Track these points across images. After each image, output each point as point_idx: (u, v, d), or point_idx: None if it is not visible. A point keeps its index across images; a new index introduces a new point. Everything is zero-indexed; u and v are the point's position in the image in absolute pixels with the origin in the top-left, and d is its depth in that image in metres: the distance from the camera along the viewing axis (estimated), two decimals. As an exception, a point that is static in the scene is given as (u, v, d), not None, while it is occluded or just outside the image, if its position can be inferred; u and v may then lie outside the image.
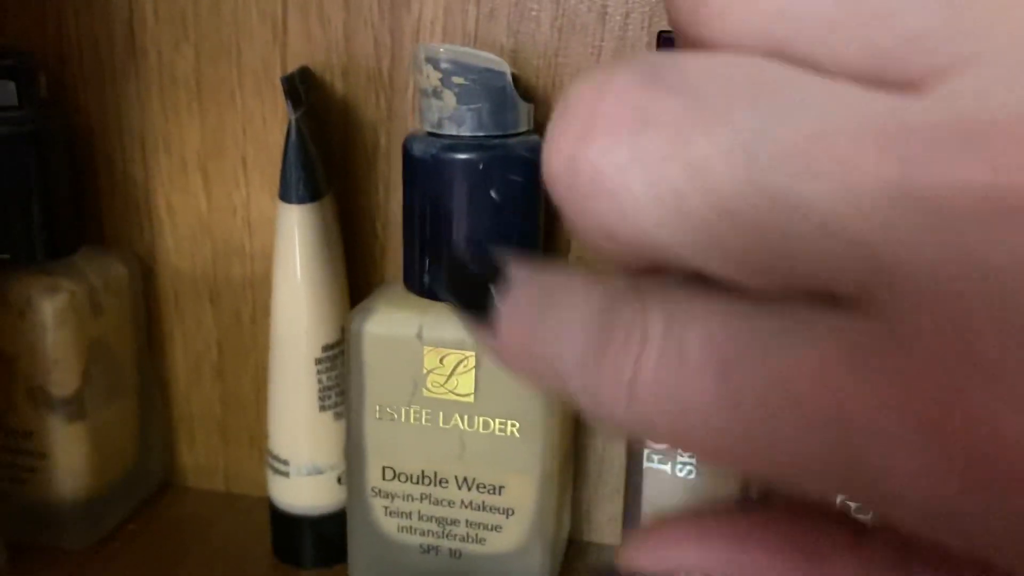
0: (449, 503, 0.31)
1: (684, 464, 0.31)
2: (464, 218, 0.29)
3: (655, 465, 0.31)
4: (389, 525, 0.32)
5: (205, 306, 0.37)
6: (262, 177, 0.35)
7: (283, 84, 0.31)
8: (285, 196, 0.31)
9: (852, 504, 0.13)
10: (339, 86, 0.34)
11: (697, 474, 0.31)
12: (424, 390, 0.31)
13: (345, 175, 0.35)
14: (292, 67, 0.33)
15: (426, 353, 0.30)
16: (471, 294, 0.14)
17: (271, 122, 0.35)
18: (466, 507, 0.31)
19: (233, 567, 0.35)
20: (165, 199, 0.37)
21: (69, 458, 0.34)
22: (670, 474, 0.31)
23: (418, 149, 0.30)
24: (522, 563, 0.32)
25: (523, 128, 0.30)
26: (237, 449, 0.39)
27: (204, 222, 0.36)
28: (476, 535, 0.32)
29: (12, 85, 0.32)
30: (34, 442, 0.34)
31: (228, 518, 0.38)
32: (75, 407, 0.34)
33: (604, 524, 0.37)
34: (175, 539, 0.37)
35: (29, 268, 0.33)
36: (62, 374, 0.34)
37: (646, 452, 0.31)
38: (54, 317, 0.33)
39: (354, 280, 0.34)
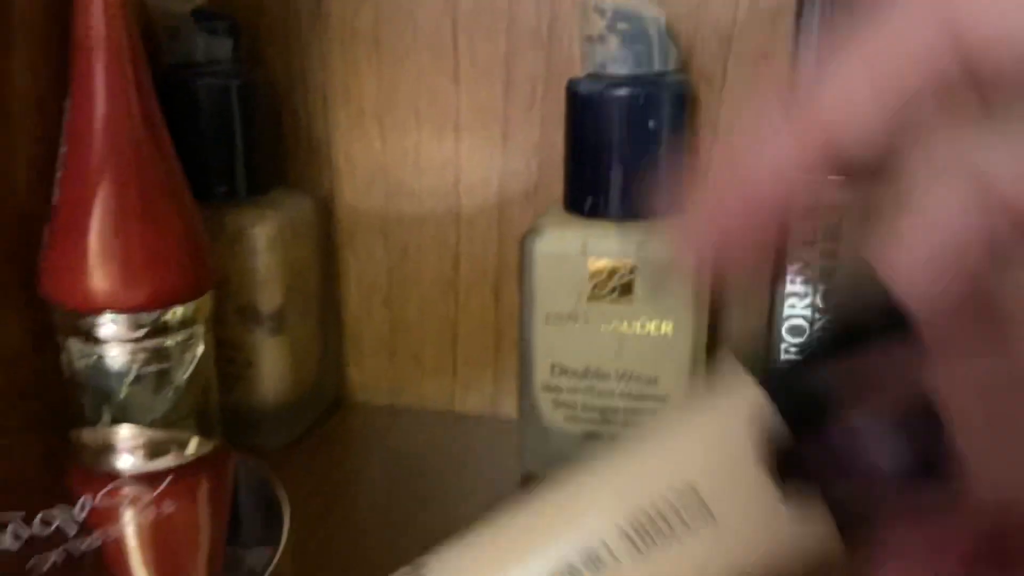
0: (609, 394, 0.36)
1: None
2: (626, 145, 0.34)
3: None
4: (556, 416, 0.37)
5: (377, 241, 0.43)
6: (432, 125, 0.41)
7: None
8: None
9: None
10: (502, 42, 0.39)
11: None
12: (587, 297, 0.36)
13: (506, 121, 0.40)
14: (461, 25, 0.39)
15: (589, 265, 0.35)
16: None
17: (441, 76, 0.40)
18: (624, 397, 0.36)
19: (409, 466, 0.41)
20: (344, 146, 0.42)
21: (271, 367, 0.40)
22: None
23: (584, 88, 0.35)
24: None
25: (672, 67, 0.35)
26: (402, 367, 0.44)
27: (379, 165, 0.42)
28: (633, 422, 0.36)
29: (230, 42, 0.38)
30: (243, 352, 0.40)
31: (398, 426, 0.43)
32: (277, 322, 0.40)
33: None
34: (356, 443, 0.42)
35: (239, 202, 0.39)
36: (269, 293, 0.39)
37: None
38: (264, 242, 0.38)
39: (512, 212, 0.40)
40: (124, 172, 0.32)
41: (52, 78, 0.35)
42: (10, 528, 0.25)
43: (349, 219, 0.43)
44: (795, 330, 0.36)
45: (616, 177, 0.35)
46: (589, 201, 0.36)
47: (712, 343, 0.37)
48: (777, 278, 0.36)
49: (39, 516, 0.26)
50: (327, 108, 0.42)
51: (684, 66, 0.37)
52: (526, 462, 0.38)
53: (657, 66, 0.34)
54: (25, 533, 0.25)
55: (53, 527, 0.25)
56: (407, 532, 0.35)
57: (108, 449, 0.31)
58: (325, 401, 0.44)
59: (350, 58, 0.41)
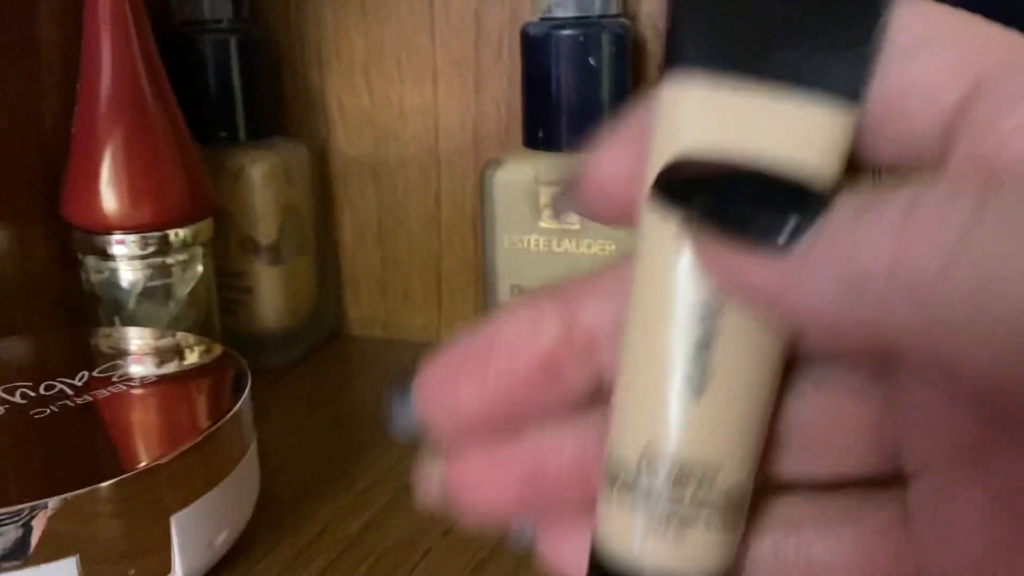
0: (562, 312, 0.40)
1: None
2: (571, 81, 0.38)
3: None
4: (515, 333, 0.41)
5: (368, 183, 0.47)
6: (413, 77, 0.45)
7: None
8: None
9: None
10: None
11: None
12: (541, 222, 0.39)
13: (478, 70, 0.44)
14: (435, -16, 0.43)
15: (541, 192, 0.39)
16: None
17: (419, 32, 0.44)
18: (575, 314, 0.40)
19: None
20: (336, 98, 0.47)
21: (269, 294, 0.45)
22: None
23: (533, 30, 0.39)
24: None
25: (614, 11, 0.39)
26: (393, 303, 0.49)
27: (367, 115, 0.46)
28: (583, 335, 0.40)
29: (230, 3, 0.43)
30: (243, 280, 0.44)
31: (389, 353, 0.48)
32: (274, 254, 0.44)
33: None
34: (349, 366, 0.47)
35: (239, 145, 0.44)
36: (266, 226, 0.44)
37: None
38: (261, 180, 0.43)
39: (486, 153, 0.44)
40: (129, 112, 0.37)
41: (75, 29, 0.40)
42: (19, 391, 0.30)
43: (342, 164, 0.47)
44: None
45: (564, 112, 0.39)
46: (541, 135, 0.40)
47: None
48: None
49: (44, 383, 0.31)
50: (321, 63, 0.46)
51: (630, 12, 0.40)
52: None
53: (599, 10, 0.38)
54: (32, 393, 0.30)
55: (55, 390, 0.30)
56: (386, 442, 0.39)
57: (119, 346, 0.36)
58: (323, 331, 0.49)
59: (341, 18, 0.45)
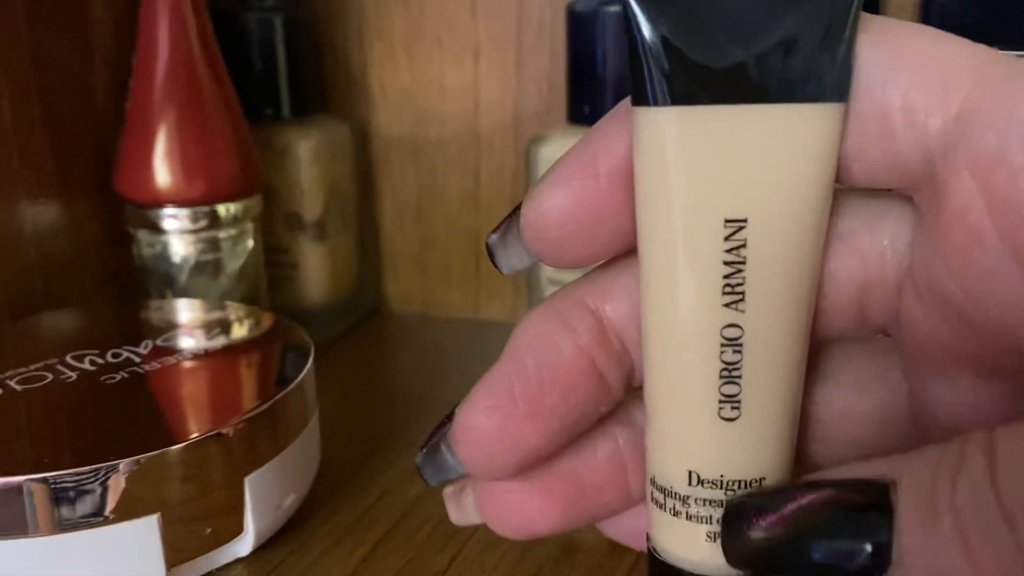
0: (606, 285, 0.41)
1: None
2: (618, 57, 0.39)
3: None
4: (559, 306, 0.42)
5: (408, 161, 0.48)
6: (453, 54, 0.45)
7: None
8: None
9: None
10: (514, -25, 0.44)
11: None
12: (586, 197, 0.40)
13: (519, 48, 0.44)
14: (477, -35, 0.43)
15: (587, 167, 0.40)
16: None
17: (460, 9, 0.45)
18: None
19: (436, 358, 0.45)
20: (377, 76, 0.47)
21: (314, 270, 0.45)
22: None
23: (580, 7, 0.39)
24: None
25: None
26: (432, 279, 0.49)
27: (408, 93, 0.47)
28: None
29: (276, -18, 0.43)
30: (289, 256, 0.45)
31: (428, 329, 0.48)
32: (319, 230, 0.45)
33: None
34: (388, 342, 0.47)
35: (283, 122, 0.44)
36: (311, 202, 0.44)
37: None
38: (308, 156, 0.44)
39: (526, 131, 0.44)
40: (184, 88, 0.37)
41: (127, 5, 0.40)
42: (88, 358, 0.31)
43: (383, 142, 0.48)
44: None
45: (610, 86, 0.39)
46: (587, 110, 0.40)
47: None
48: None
49: (110, 350, 0.31)
50: (362, 41, 0.47)
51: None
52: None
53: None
54: (100, 360, 0.31)
55: (122, 358, 0.31)
56: (432, 412, 0.39)
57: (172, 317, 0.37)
58: (364, 307, 0.49)
59: (382, -3, 0.46)
